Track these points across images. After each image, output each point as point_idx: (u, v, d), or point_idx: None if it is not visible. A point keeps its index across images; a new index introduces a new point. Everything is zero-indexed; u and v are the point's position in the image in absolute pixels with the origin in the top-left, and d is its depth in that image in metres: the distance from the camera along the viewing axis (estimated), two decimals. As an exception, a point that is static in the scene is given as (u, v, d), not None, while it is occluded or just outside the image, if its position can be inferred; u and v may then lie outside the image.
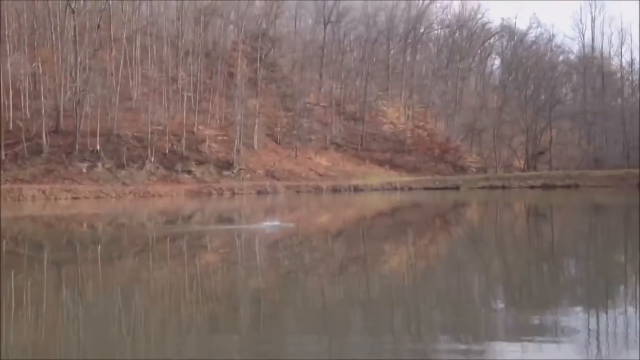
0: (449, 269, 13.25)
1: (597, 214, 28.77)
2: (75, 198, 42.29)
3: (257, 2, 74.57)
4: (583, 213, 29.29)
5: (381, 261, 14.25)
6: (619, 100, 69.53)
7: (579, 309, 9.02)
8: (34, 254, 16.63)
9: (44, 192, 42.12)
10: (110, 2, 58.08)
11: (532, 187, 49.61)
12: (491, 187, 50.35)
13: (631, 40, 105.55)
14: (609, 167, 59.36)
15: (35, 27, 54.31)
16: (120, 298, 10.38)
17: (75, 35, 52.91)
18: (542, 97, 71.15)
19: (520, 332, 7.56)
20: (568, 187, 48.30)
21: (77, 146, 49.01)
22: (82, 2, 56.75)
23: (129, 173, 49.08)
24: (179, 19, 61.73)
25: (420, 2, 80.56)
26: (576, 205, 33.78)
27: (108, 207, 36.05)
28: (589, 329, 7.67)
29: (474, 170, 66.51)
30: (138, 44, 58.68)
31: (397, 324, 8.27)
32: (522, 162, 69.15)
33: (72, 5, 52.94)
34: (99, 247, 17.86)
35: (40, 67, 50.99)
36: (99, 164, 48.83)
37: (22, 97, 50.33)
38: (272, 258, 15.24)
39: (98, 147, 49.35)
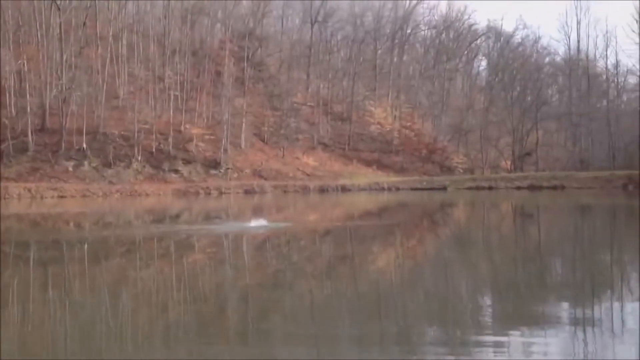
0: (437, 269, 13.29)
1: (583, 214, 28.99)
2: (61, 197, 42.01)
3: (244, 1, 74.49)
4: (569, 214, 29.51)
5: (369, 261, 14.26)
6: (605, 102, 70.05)
7: (565, 305, 9.08)
8: (20, 253, 16.48)
9: (29, 190, 41.81)
10: None
11: (518, 188, 49.93)
12: (478, 188, 50.61)
13: (616, 42, 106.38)
14: (594, 169, 59.82)
15: (21, 24, 53.91)
16: (107, 297, 10.31)
17: (60, 33, 52.58)
18: (529, 98, 71.63)
19: (508, 330, 7.60)
20: (554, 188, 48.63)
21: (63, 144, 48.70)
22: (67, -1, 56.52)
23: (115, 172, 48.84)
24: (165, 17, 61.54)
25: (407, 2, 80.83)
26: (562, 206, 34.02)
27: (94, 205, 35.83)
28: (575, 326, 7.73)
29: (461, 171, 66.84)
30: (124, 42, 58.42)
31: (386, 325, 8.29)
32: (509, 163, 69.56)
33: (58, 3, 52.61)
34: (86, 246, 17.75)
35: (25, 65, 50.61)
36: (86, 163, 48.55)
37: (7, 94, 49.96)
38: (260, 258, 15.21)
39: (84, 146, 49.08)
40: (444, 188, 51.56)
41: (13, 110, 50.26)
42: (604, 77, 71.11)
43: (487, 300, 9.95)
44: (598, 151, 66.91)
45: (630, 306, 8.80)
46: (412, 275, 12.56)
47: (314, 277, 12.14)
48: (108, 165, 49.03)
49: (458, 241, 18.98)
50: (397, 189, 52.13)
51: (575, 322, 8.04)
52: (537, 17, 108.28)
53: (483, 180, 54.01)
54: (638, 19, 59.35)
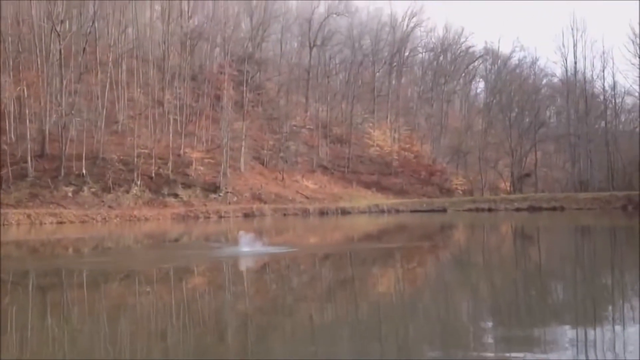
0: (439, 292, 13.24)
1: (583, 236, 28.95)
2: (60, 222, 41.92)
3: (243, 25, 75.12)
4: (569, 235, 29.46)
5: (369, 284, 14.21)
6: (603, 123, 70.27)
7: (567, 327, 9.04)
8: (19, 280, 16.41)
9: (29, 216, 41.73)
10: (96, 25, 58.17)
11: (518, 209, 49.91)
12: (478, 210, 50.60)
13: (613, 63, 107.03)
14: (593, 190, 59.87)
15: (21, 50, 54.22)
16: (106, 323, 10.25)
17: (60, 59, 52.87)
18: (527, 119, 71.88)
19: (509, 352, 7.56)
20: (554, 209, 48.62)
21: (62, 170, 48.71)
22: (67, 25, 56.86)
23: (115, 197, 48.78)
24: (165, 42, 61.93)
25: (405, 25, 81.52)
26: (562, 228, 33.97)
27: (93, 231, 35.76)
28: (577, 348, 7.69)
29: (460, 192, 66.91)
30: (124, 67, 58.74)
31: (387, 347, 8.24)
32: (508, 184, 69.60)
33: (58, 29, 52.97)
34: (84, 272, 17.68)
35: (25, 91, 50.82)
36: (85, 188, 48.51)
37: (7, 120, 50.10)
38: (256, 284, 15.15)
39: (84, 171, 49.09)
40: (444, 210, 51.53)
41: (13, 136, 50.35)
42: (602, 98, 71.40)
43: (488, 323, 9.89)
44: (597, 172, 66.98)
45: (631, 329, 8.75)
46: (413, 298, 12.49)
47: (313, 301, 12.08)
48: (107, 190, 48.99)
49: (459, 263, 18.92)
50: (397, 211, 52.09)
51: (576, 344, 7.99)
52: (534, 39, 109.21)
53: (482, 202, 54.00)
54: (634, 39, 59.81)
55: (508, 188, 68.79)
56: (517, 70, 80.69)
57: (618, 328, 8.95)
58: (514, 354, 7.55)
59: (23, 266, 19.24)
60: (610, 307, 10.81)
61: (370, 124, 75.90)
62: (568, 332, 8.82)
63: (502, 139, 70.72)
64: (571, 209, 48.13)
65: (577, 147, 67.27)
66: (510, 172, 69.97)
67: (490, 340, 8.58)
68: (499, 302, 11.77)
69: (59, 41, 52.95)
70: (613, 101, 69.77)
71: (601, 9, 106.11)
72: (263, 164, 61.75)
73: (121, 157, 52.08)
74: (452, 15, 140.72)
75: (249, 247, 19.87)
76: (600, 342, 8.09)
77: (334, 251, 22.03)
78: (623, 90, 68.85)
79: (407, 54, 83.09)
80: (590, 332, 8.71)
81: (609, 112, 69.86)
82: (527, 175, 69.17)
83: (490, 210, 50.50)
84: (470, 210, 50.81)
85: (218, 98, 62.73)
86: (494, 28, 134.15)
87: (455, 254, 22.06)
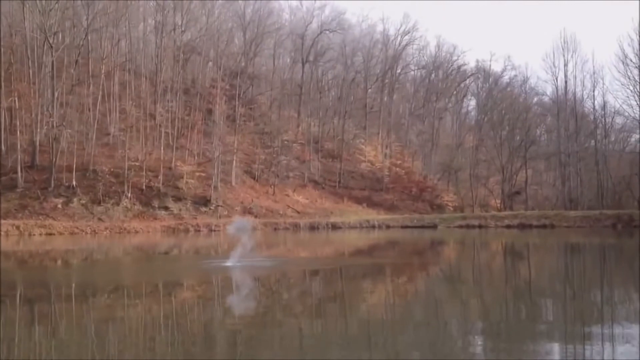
0: (429, 308, 13.23)
1: (573, 253, 29.04)
2: (49, 234, 41.68)
3: (236, 40, 75.39)
4: (559, 253, 29.54)
5: (361, 299, 14.19)
6: (593, 142, 70.74)
7: (555, 345, 9.05)
8: (6, 292, 16.25)
9: (17, 227, 41.48)
10: (89, 38, 58.17)
11: (508, 226, 50.04)
12: (468, 227, 50.69)
13: (603, 83, 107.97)
14: (583, 208, 60.16)
15: (13, 61, 54.13)
16: (94, 336, 10.17)
17: (53, 71, 52.81)
18: (517, 137, 72.27)
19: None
20: (544, 227, 48.76)
21: (52, 181, 48.50)
22: (60, 37, 56.82)
23: (104, 209, 48.57)
24: (157, 56, 61.97)
25: (397, 43, 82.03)
26: (552, 245, 34.06)
27: (83, 243, 35.56)
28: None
29: (451, 209, 67.09)
30: (116, 80, 58.72)
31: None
32: (498, 201, 69.84)
33: (51, 41, 52.95)
34: (73, 284, 17.57)
35: (16, 102, 50.69)
36: (75, 200, 48.29)
37: (-2, 131, 50.04)
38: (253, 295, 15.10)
39: (74, 183, 48.89)
40: (434, 226, 51.60)
41: (3, 147, 50.16)
42: (592, 117, 71.93)
43: (478, 338, 9.89)
44: (587, 190, 67.37)
45: (621, 347, 8.77)
46: (403, 314, 12.48)
47: (301, 315, 12.04)
48: (97, 202, 48.78)
49: (449, 280, 18.92)
50: (388, 226, 52.11)
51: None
52: (525, 57, 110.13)
53: (473, 219, 54.12)
54: (623, 59, 60.37)
55: (498, 205, 69.02)
56: (508, 89, 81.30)
57: (607, 344, 8.98)
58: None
59: (11, 278, 19.07)
60: (599, 325, 10.83)
61: (362, 140, 76.20)
62: (556, 349, 8.85)
63: (493, 157, 71.07)
64: (561, 227, 48.29)
65: (567, 165, 67.68)
66: (500, 190, 70.24)
67: (479, 353, 8.58)
68: (488, 320, 11.77)
69: (52, 53, 52.91)
70: (603, 120, 70.29)
71: (591, 27, 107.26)
72: (254, 178, 61.73)
73: (112, 170, 51.94)
74: (444, 33, 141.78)
75: (238, 261, 19.80)
76: (589, 357, 8.11)
77: (323, 266, 21.99)
78: (613, 110, 69.39)
79: (399, 71, 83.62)
80: (579, 347, 8.73)
81: (599, 132, 70.36)
82: (518, 192, 69.48)
83: (480, 227, 50.60)
84: (460, 226, 50.90)
85: (210, 112, 62.80)
86: (486, 46, 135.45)
87: (445, 270, 22.06)
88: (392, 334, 10.21)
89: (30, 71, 53.68)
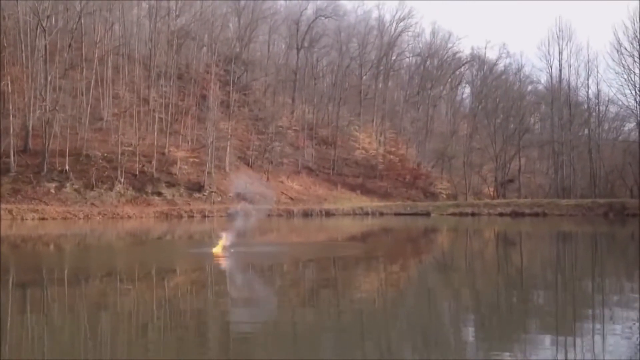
0: (421, 295, 13.29)
1: (565, 242, 29.17)
2: (42, 219, 41.58)
3: (230, 25, 74.96)
4: (551, 241, 29.66)
5: (352, 285, 14.23)
6: (586, 131, 70.91)
7: (547, 331, 9.10)
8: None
9: (10, 212, 41.35)
10: (82, 21, 57.71)
11: (501, 214, 50.22)
12: (461, 214, 50.83)
13: (597, 72, 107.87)
14: (576, 196, 60.39)
15: (5, 45, 53.72)
16: (86, 320, 10.18)
17: (46, 55, 52.43)
18: (511, 126, 72.36)
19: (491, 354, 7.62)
20: (536, 215, 48.95)
21: (45, 166, 48.30)
22: (53, 21, 56.36)
23: (97, 194, 48.44)
24: (151, 41, 61.59)
25: (393, 29, 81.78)
26: (544, 234, 34.20)
27: (75, 228, 35.51)
28: (557, 350, 7.76)
29: (444, 196, 67.23)
30: (110, 64, 58.35)
31: (369, 349, 8.27)
32: (492, 189, 70.02)
33: (44, 24, 52.52)
34: (66, 269, 17.55)
35: (9, 86, 50.35)
36: (68, 185, 48.13)
37: (-10, 115, 49.72)
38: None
39: (67, 167, 48.71)
40: (428, 214, 51.72)
41: (-5, 131, 49.89)
42: (586, 106, 72.05)
43: (470, 326, 9.94)
44: (580, 179, 67.61)
45: (611, 337, 8.83)
46: (395, 301, 12.53)
47: (294, 299, 12.07)
48: (90, 187, 48.64)
49: (441, 267, 18.99)
50: (381, 214, 52.21)
51: (556, 347, 8.06)
52: (520, 45, 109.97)
53: (466, 207, 54.26)
54: (618, 48, 60.36)
55: (492, 193, 69.20)
56: (503, 77, 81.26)
57: (598, 331, 9.04)
58: (494, 353, 7.61)
59: (3, 262, 19.02)
60: (590, 312, 10.90)
61: (356, 127, 76.11)
62: (547, 338, 8.90)
63: (487, 145, 71.17)
64: (553, 215, 48.49)
65: (560, 154, 67.86)
66: (494, 178, 70.41)
67: (471, 340, 8.63)
68: (479, 308, 11.83)
69: (45, 37, 52.51)
70: (597, 109, 70.45)
71: (587, 15, 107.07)
72: (248, 164, 61.65)
73: (105, 154, 51.76)
74: (439, 20, 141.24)
75: (231, 248, 19.80)
76: (579, 345, 8.17)
77: (317, 252, 22.03)
78: (607, 98, 69.51)
79: (394, 57, 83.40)
80: (570, 338, 8.79)
81: (592, 120, 70.50)
82: (511, 180, 69.68)
83: (473, 214, 50.75)
84: (453, 214, 51.04)
85: (204, 97, 62.55)
86: (481, 34, 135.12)
87: (438, 258, 22.14)
88: (385, 322, 10.26)
89: (24, 55, 53.29)
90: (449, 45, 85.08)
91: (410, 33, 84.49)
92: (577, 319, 10.29)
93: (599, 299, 12.44)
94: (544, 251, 24.58)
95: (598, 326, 9.61)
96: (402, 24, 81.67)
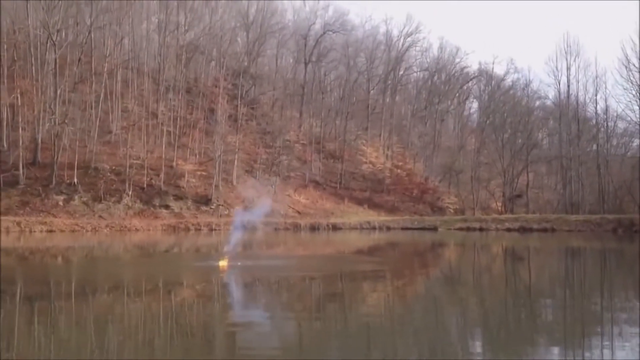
0: (429, 309, 13.23)
1: (574, 257, 29.00)
2: (50, 231, 41.71)
3: (239, 39, 75.38)
4: (560, 257, 29.51)
5: (359, 299, 14.19)
6: (594, 147, 70.64)
7: (555, 349, 9.04)
8: (6, 288, 16.26)
9: (18, 224, 41.52)
10: (92, 35, 58.15)
11: (509, 229, 49.94)
12: (469, 229, 50.59)
13: (605, 87, 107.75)
14: (585, 212, 60.06)
15: (16, 58, 54.15)
16: (93, 333, 10.18)
17: (55, 68, 52.79)
18: (519, 141, 72.17)
19: None
20: (544, 230, 48.67)
21: (54, 178, 48.49)
22: (63, 35, 56.82)
23: (106, 207, 48.55)
24: (160, 55, 61.96)
25: (400, 44, 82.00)
26: (553, 249, 34.03)
27: (83, 240, 35.60)
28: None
29: (452, 211, 67.01)
30: (119, 78, 58.70)
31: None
32: (500, 204, 69.78)
33: (54, 38, 52.94)
34: (73, 281, 17.59)
35: (19, 99, 50.69)
36: (76, 197, 48.26)
37: (0, 128, 50.04)
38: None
39: (75, 180, 48.88)
40: (435, 228, 51.53)
41: (5, 143, 50.16)
42: (594, 121, 71.84)
43: (477, 340, 9.89)
44: (588, 195, 67.27)
45: (620, 352, 8.77)
46: (402, 314, 12.48)
47: (301, 312, 12.04)
48: (98, 200, 48.75)
49: (449, 281, 18.91)
50: (388, 228, 52.06)
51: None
52: (528, 60, 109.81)
53: (474, 221, 53.98)
54: (626, 64, 60.27)
55: (499, 208, 68.95)
56: (511, 92, 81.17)
57: (606, 346, 8.97)
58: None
59: (11, 274, 19.08)
60: (598, 329, 10.82)
61: (364, 141, 76.14)
62: (555, 353, 8.84)
63: (495, 159, 70.99)
64: (562, 231, 48.22)
65: (568, 169, 67.61)
66: (502, 192, 70.19)
67: (478, 352, 8.59)
68: (487, 321, 11.77)
69: (55, 50, 52.90)
70: (605, 125, 70.22)
71: (595, 30, 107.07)
72: (255, 178, 61.67)
73: (113, 167, 51.93)
74: (447, 35, 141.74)
75: (237, 261, 19.79)
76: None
77: (325, 266, 21.98)
78: (615, 114, 69.26)
79: (401, 72, 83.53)
80: (578, 352, 8.73)
81: (600, 136, 70.25)
82: (519, 196, 69.39)
83: (481, 229, 50.52)
84: (461, 229, 50.82)
85: (212, 111, 62.77)
86: (489, 49, 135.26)
87: (446, 272, 22.06)
88: (391, 333, 10.22)
89: (33, 68, 53.68)
90: (457, 60, 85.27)
91: (417, 48, 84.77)
92: (585, 334, 10.22)
93: (607, 315, 12.36)
94: (553, 266, 24.44)
95: (607, 342, 9.54)
96: (409, 39, 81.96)
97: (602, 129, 70.39)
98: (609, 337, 9.94)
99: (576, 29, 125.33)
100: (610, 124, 70.29)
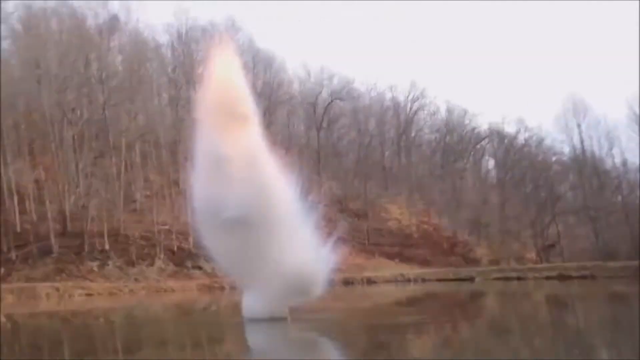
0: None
1: (620, 302, 28.19)
2: (88, 295, 41.77)
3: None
4: (604, 302, 28.73)
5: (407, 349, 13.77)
6: (619, 197, 69.68)
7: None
8: (53, 346, 16.10)
9: (57, 289, 41.66)
10: (107, 113, 58.40)
11: (547, 277, 48.72)
12: (506, 279, 49.44)
13: (620, 141, 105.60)
14: (622, 259, 58.66)
15: (35, 137, 55.01)
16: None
17: (74, 145, 53.49)
18: (542, 194, 71.20)
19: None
20: (584, 277, 47.50)
21: (86, 246, 48.81)
22: (78, 113, 57.48)
23: (139, 270, 48.61)
24: (175, 127, 61.91)
25: (408, 109, 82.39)
26: (597, 295, 33.16)
27: (122, 301, 35.56)
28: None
29: (486, 262, 65.68)
30: (137, 151, 59.27)
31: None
32: (534, 254, 68.51)
33: (69, 117, 53.82)
34: (117, 339, 17.36)
35: (43, 174, 51.39)
36: (110, 262, 48.48)
37: (27, 202, 50.69)
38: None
39: (107, 247, 49.13)
40: (472, 279, 50.45)
41: (34, 215, 50.68)
42: (614, 174, 71.00)
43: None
44: (621, 243, 65.95)
45: None
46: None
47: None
48: (131, 264, 48.85)
49: (496, 330, 18.32)
50: (423, 280, 51.13)
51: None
52: (537, 118, 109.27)
53: (510, 271, 52.77)
54: (635, 119, 59.91)
55: (534, 258, 67.56)
56: (525, 149, 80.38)
57: None
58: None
59: (56, 335, 18.90)
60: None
61: (385, 200, 75.76)
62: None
63: (521, 212, 70.15)
64: (601, 277, 47.05)
65: (597, 219, 66.45)
66: (534, 243, 69.01)
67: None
68: None
69: (71, 128, 53.68)
70: (626, 177, 69.31)
71: (600, 86, 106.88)
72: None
73: (142, 234, 52.22)
74: (453, 97, 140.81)
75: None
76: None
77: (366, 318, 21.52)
78: (635, 166, 68.00)
79: (413, 134, 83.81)
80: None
81: (624, 186, 69.20)
82: (552, 245, 68.21)
83: (519, 279, 49.34)
84: (498, 279, 49.69)
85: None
86: (497, 109, 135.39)
87: (490, 321, 21.46)
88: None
89: (52, 145, 54.09)
90: (466, 122, 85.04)
91: (426, 111, 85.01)
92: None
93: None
94: (600, 312, 23.68)
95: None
96: (416, 103, 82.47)
97: (625, 181, 69.48)
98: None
99: (581, 86, 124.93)
100: (631, 176, 69.23)
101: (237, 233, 17.93)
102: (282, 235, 18.47)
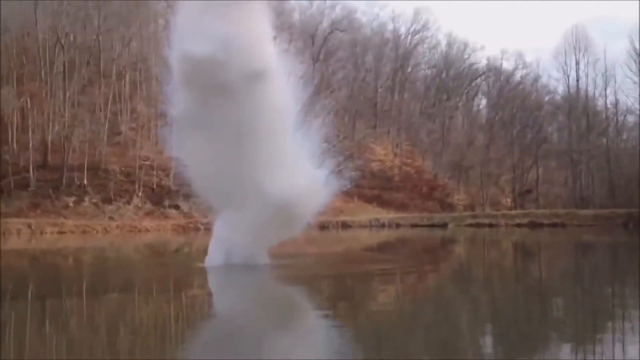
0: (440, 306, 13.23)
1: (584, 252, 28.90)
2: (61, 232, 41.98)
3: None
4: (570, 251, 29.42)
5: (370, 297, 14.20)
6: (604, 141, 70.22)
7: (566, 346, 9.02)
8: (17, 288, 16.38)
9: (29, 226, 41.84)
10: (100, 38, 58.25)
11: (519, 225, 49.79)
12: (478, 225, 50.47)
13: (615, 81, 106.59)
14: (595, 207, 59.72)
15: (25, 62, 54.40)
16: (104, 333, 10.24)
17: (64, 71, 52.98)
18: (529, 136, 71.88)
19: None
20: (555, 225, 48.50)
21: (64, 180, 48.79)
22: (72, 38, 57.00)
23: (116, 208, 48.83)
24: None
25: (408, 42, 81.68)
26: (563, 244, 33.91)
27: (94, 240, 35.81)
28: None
29: (461, 207, 66.83)
30: (127, 79, 58.82)
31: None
32: (509, 200, 69.55)
33: (62, 42, 53.13)
34: (84, 281, 17.68)
35: (28, 102, 50.97)
36: (86, 199, 48.59)
37: (9, 131, 50.26)
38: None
39: (85, 182, 49.16)
40: (445, 225, 51.44)
41: (15, 146, 50.47)
42: (604, 115, 71.39)
43: (488, 336, 9.88)
44: (598, 189, 66.92)
45: (632, 347, 8.74)
46: (412, 311, 12.47)
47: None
48: (108, 201, 49.03)
49: (459, 278, 18.88)
50: (398, 225, 52.04)
51: (576, 357, 7.99)
52: (536, 53, 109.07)
53: (483, 218, 53.88)
54: (635, 58, 59.84)
55: (509, 204, 68.71)
56: (520, 87, 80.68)
57: (618, 340, 8.94)
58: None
59: (23, 274, 19.21)
60: (610, 324, 10.77)
61: (372, 139, 75.93)
62: (567, 348, 8.82)
63: (504, 155, 70.78)
64: (572, 226, 48.03)
65: (578, 163, 67.29)
66: (512, 188, 69.94)
67: (489, 352, 8.59)
68: (498, 318, 11.76)
69: (63, 53, 53.10)
70: (615, 119, 69.77)
71: (603, 23, 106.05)
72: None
73: (123, 169, 52.17)
74: (455, 31, 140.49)
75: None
76: (599, 354, 8.10)
77: (334, 264, 22.01)
78: (625, 107, 68.78)
79: (409, 70, 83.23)
80: (589, 347, 8.71)
81: (610, 130, 69.83)
82: (529, 191, 69.14)
83: (491, 225, 50.38)
84: (470, 225, 50.69)
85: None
86: (497, 43, 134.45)
87: (455, 268, 22.02)
88: (402, 331, 10.22)
89: (42, 71, 53.92)
90: (465, 56, 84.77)
91: (425, 45, 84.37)
92: (597, 329, 10.19)
93: (619, 311, 12.29)
94: (563, 262, 24.36)
95: (619, 336, 9.50)
96: (417, 36, 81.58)
97: (612, 123, 70.02)
98: (620, 331, 9.90)
99: (585, 20, 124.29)
100: (620, 117, 69.96)
101: (222, 135, 16.81)
102: (272, 157, 17.12)
